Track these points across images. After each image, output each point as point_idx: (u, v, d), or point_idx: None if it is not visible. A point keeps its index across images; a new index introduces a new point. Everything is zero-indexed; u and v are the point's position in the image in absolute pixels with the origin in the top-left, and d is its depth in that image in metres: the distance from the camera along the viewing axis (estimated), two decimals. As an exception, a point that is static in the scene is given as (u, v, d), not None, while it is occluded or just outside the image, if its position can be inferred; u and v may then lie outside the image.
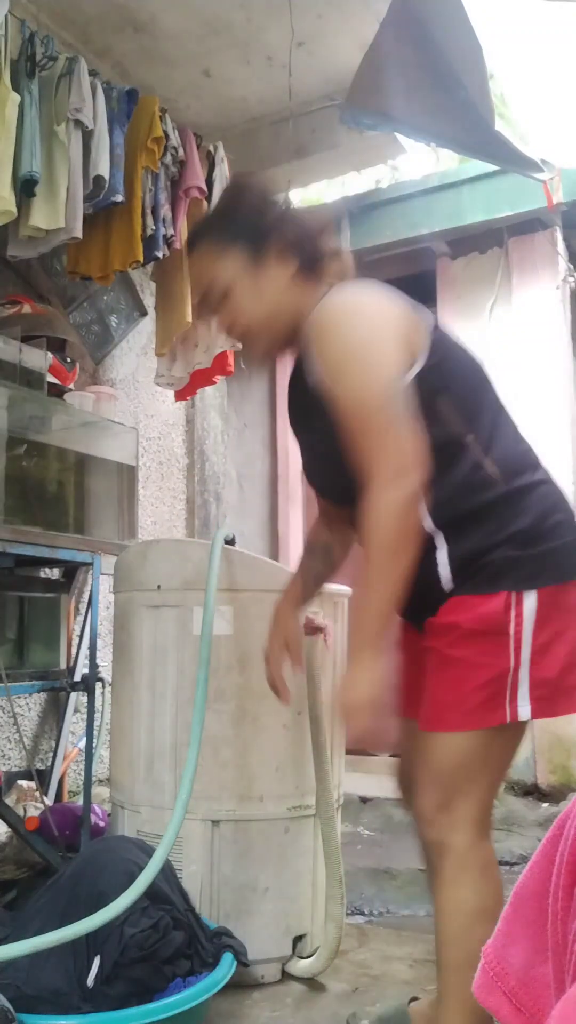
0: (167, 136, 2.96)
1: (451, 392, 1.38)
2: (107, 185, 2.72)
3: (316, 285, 1.47)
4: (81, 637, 3.03)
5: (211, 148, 3.28)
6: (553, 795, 3.35)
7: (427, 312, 1.47)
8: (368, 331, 1.33)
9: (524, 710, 1.31)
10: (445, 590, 1.35)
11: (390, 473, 1.26)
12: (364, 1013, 1.70)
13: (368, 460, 1.29)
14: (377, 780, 3.61)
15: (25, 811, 2.61)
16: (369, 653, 1.30)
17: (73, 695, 3.13)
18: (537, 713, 1.32)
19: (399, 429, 1.27)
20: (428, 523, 1.34)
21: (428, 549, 1.34)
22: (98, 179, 2.69)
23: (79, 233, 2.63)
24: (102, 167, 2.68)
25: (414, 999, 1.69)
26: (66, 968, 1.50)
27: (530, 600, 1.31)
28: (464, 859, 1.34)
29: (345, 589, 2.10)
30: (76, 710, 3.26)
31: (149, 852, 1.62)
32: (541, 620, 1.31)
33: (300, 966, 1.92)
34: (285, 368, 4.98)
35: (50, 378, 2.74)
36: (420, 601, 1.36)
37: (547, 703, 1.32)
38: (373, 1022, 1.67)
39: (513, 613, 1.30)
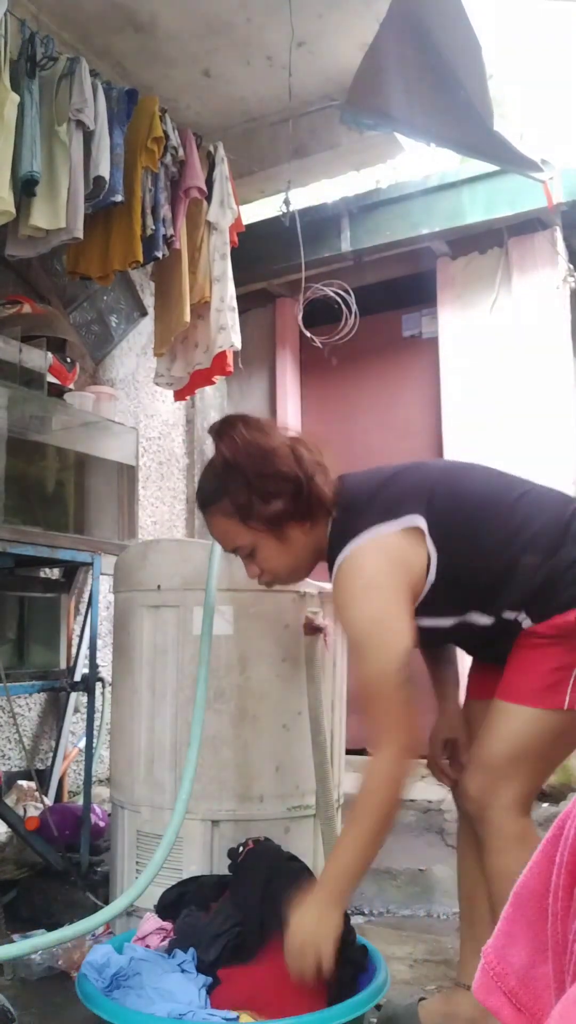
0: (167, 136, 2.96)
1: (477, 549, 1.55)
2: (107, 185, 2.71)
3: (326, 516, 1.62)
4: (81, 637, 3.03)
5: (211, 148, 3.27)
6: (553, 795, 3.35)
7: (421, 494, 1.58)
8: (377, 611, 1.50)
9: None
10: (525, 627, 1.55)
11: (398, 754, 1.45)
12: (371, 1012, 1.72)
13: (378, 727, 1.48)
14: (377, 780, 3.61)
15: (25, 811, 2.61)
16: (337, 906, 1.44)
17: (73, 695, 3.13)
18: None
19: (403, 711, 1.46)
20: (516, 615, 1.54)
21: (515, 622, 1.55)
22: (98, 179, 2.68)
23: (80, 233, 2.63)
24: (103, 167, 2.68)
25: (422, 999, 1.76)
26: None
27: None
28: (501, 832, 1.51)
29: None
30: (76, 710, 3.25)
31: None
32: None
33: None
34: (284, 368, 4.96)
35: (50, 378, 2.74)
36: (509, 647, 1.58)
37: None
38: (382, 1022, 1.72)
39: None
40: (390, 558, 1.52)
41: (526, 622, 1.54)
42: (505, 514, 1.59)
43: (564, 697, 1.48)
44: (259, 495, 1.57)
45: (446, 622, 1.61)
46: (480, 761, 1.56)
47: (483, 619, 1.58)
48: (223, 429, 1.63)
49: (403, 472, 1.67)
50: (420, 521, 1.54)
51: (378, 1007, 1.70)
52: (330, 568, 1.61)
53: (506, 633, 1.57)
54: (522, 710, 1.52)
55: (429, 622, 1.59)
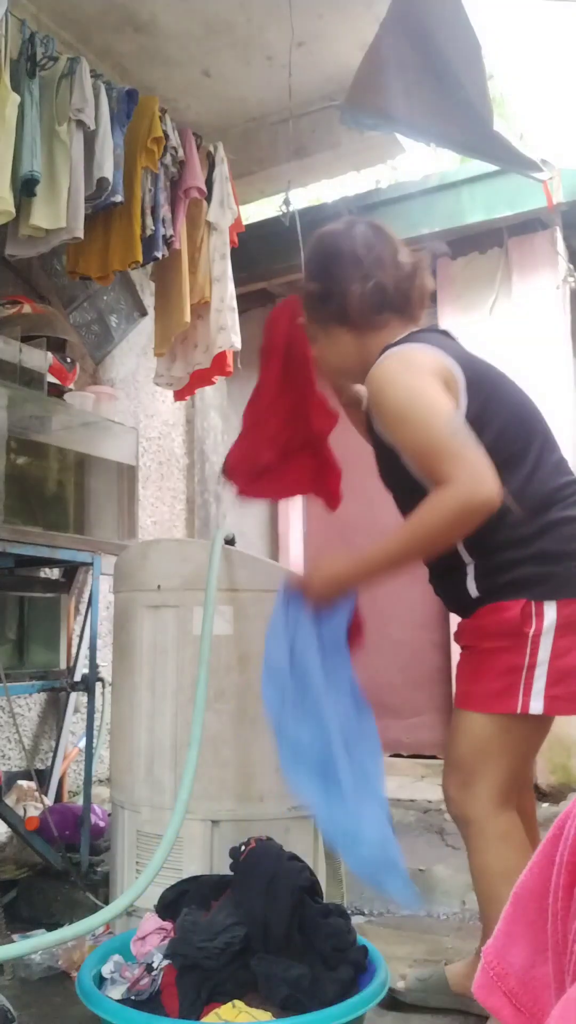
0: (167, 136, 2.96)
1: (486, 440, 1.52)
2: (109, 186, 2.72)
3: (377, 333, 1.71)
4: (81, 637, 3.03)
5: (211, 148, 3.27)
6: (553, 795, 3.35)
7: (472, 362, 1.67)
8: (413, 386, 1.53)
9: (536, 705, 1.50)
10: (472, 597, 1.59)
11: (463, 485, 1.41)
12: (400, 976, 1.83)
13: (440, 476, 1.45)
14: (377, 780, 3.61)
15: (25, 811, 2.61)
16: (352, 573, 1.58)
17: (73, 695, 3.13)
18: (549, 710, 1.51)
19: (466, 451, 1.44)
20: (463, 554, 1.58)
21: (460, 567, 1.59)
22: (102, 181, 2.68)
23: (80, 233, 2.63)
24: (107, 169, 2.68)
25: (448, 962, 1.90)
26: None
27: (550, 611, 1.52)
28: (483, 830, 1.54)
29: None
30: (76, 710, 3.26)
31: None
32: (561, 629, 1.51)
33: (300, 966, 1.92)
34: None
35: (50, 378, 2.74)
36: (458, 603, 1.64)
37: (562, 702, 1.52)
38: (411, 982, 1.83)
39: (533, 620, 1.51)
40: (427, 356, 1.59)
41: (470, 579, 1.57)
42: (528, 439, 1.62)
43: (516, 701, 1.51)
44: (311, 292, 1.76)
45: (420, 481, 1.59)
46: (451, 764, 1.61)
47: None
48: (346, 223, 1.80)
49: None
50: (462, 376, 1.60)
51: (391, 993, 1.73)
52: None
53: (454, 567, 1.60)
54: (476, 717, 1.56)
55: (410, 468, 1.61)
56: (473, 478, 1.41)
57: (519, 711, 1.51)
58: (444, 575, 1.66)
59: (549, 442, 1.67)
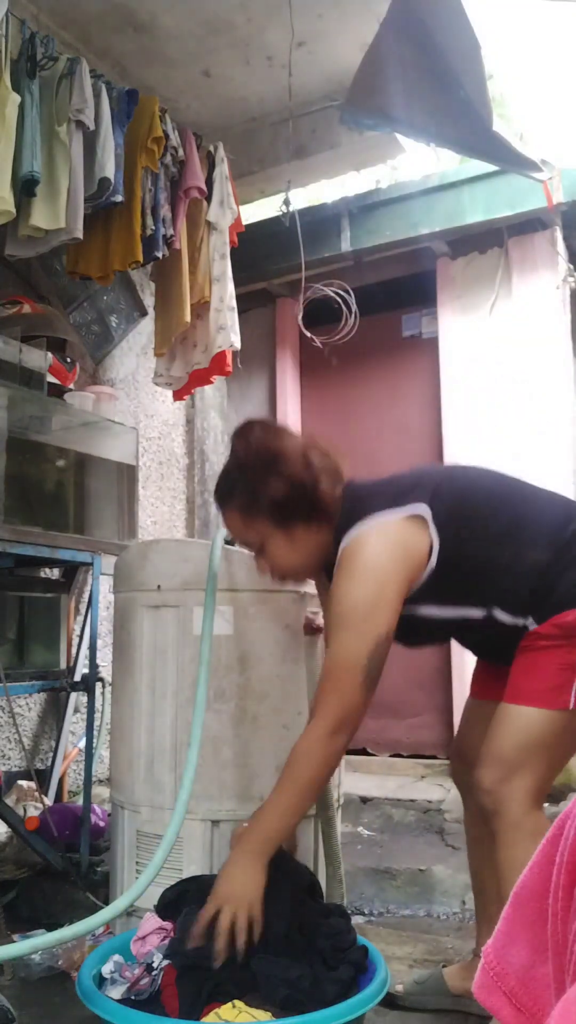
0: (167, 136, 2.96)
1: (479, 539, 1.61)
2: (111, 186, 2.72)
3: (333, 517, 1.67)
4: (81, 637, 3.03)
5: (211, 148, 3.27)
6: (553, 795, 3.35)
7: (427, 487, 1.64)
8: (368, 592, 1.54)
9: None
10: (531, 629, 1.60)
11: (330, 728, 1.52)
12: (399, 977, 1.83)
13: (320, 701, 1.55)
14: (377, 780, 3.61)
15: (25, 811, 2.61)
16: (259, 860, 1.51)
17: (73, 695, 3.13)
18: None
19: (356, 692, 1.52)
20: (520, 621, 1.59)
21: (521, 627, 1.59)
22: (103, 181, 2.68)
23: (80, 233, 2.63)
24: (108, 169, 2.68)
25: (445, 964, 1.90)
26: None
27: None
28: (517, 826, 1.54)
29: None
30: (76, 710, 3.26)
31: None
32: None
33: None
34: (284, 368, 4.95)
35: (50, 378, 2.74)
36: (514, 650, 1.62)
37: None
38: (409, 986, 1.83)
39: None
40: (389, 542, 1.58)
41: (531, 625, 1.58)
42: (511, 508, 1.64)
43: (570, 697, 1.53)
44: (264, 495, 1.63)
45: (443, 613, 1.64)
46: (493, 756, 1.60)
47: (478, 612, 1.62)
48: (241, 431, 1.72)
49: (410, 470, 1.75)
50: (424, 509, 1.60)
51: (390, 996, 1.73)
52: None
53: (512, 636, 1.61)
54: (529, 711, 1.56)
55: (427, 611, 1.63)
56: (335, 722, 1.51)
57: (571, 707, 1.54)
58: (506, 644, 1.64)
59: (536, 495, 1.70)
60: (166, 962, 1.56)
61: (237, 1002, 1.42)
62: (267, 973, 1.45)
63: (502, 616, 1.60)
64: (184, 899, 1.67)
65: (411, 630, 1.66)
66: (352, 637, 1.54)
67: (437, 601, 1.63)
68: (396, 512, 1.60)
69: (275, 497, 1.63)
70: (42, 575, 3.15)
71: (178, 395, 3.58)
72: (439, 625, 1.68)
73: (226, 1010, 1.40)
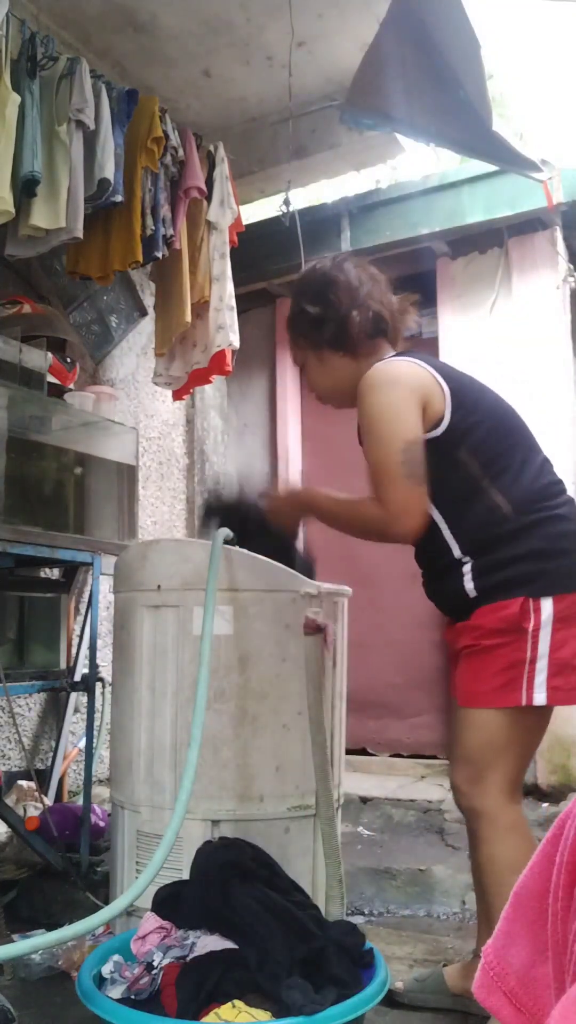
0: (167, 136, 2.96)
1: (472, 444, 1.68)
2: (111, 187, 2.72)
3: (369, 356, 1.81)
4: (81, 637, 3.03)
5: (211, 148, 3.27)
6: (553, 795, 3.35)
7: (457, 375, 1.79)
8: (389, 402, 1.66)
9: (539, 696, 1.58)
10: (470, 598, 1.65)
11: (390, 513, 1.63)
12: (398, 977, 1.84)
13: (380, 497, 1.66)
14: (377, 780, 3.61)
15: (25, 811, 2.61)
16: (303, 506, 1.88)
17: (73, 695, 3.13)
18: (551, 700, 1.58)
19: (405, 485, 1.61)
20: (456, 551, 1.67)
21: (456, 566, 1.66)
22: (103, 181, 2.68)
23: (80, 233, 2.63)
24: (108, 169, 2.68)
25: (446, 964, 1.93)
26: None
27: (547, 606, 1.59)
28: (494, 822, 1.58)
29: (345, 589, 2.10)
30: (76, 710, 3.25)
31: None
32: (558, 623, 1.59)
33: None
34: (284, 368, 4.94)
35: (50, 378, 2.74)
36: (454, 605, 1.70)
37: (562, 693, 1.59)
38: (409, 984, 1.85)
39: (532, 616, 1.58)
40: (412, 372, 1.69)
41: (468, 579, 1.64)
42: (512, 445, 1.71)
43: (520, 694, 1.57)
44: (302, 314, 1.82)
45: None
46: (462, 757, 1.65)
47: (434, 514, 1.69)
48: (333, 261, 1.87)
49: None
50: (446, 387, 1.70)
51: (390, 994, 1.73)
52: None
53: (449, 568, 1.68)
54: (483, 713, 1.61)
55: None
56: (398, 514, 1.62)
57: (524, 703, 1.57)
58: (440, 577, 1.72)
59: (533, 447, 1.77)
60: (167, 961, 1.56)
61: (237, 1002, 1.42)
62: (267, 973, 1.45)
63: (444, 529, 1.67)
64: (179, 898, 1.68)
65: None
66: (382, 442, 1.63)
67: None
68: (427, 366, 1.71)
69: (308, 317, 1.79)
70: (42, 575, 3.15)
71: (178, 395, 3.58)
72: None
73: (226, 1010, 1.40)
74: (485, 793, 1.60)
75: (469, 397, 1.73)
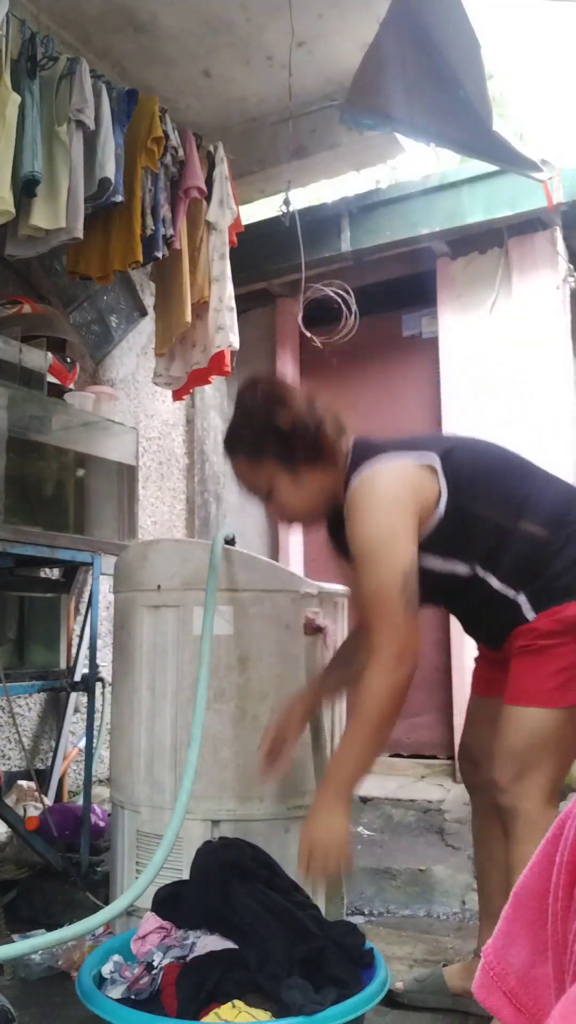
0: (167, 136, 2.96)
1: (482, 498, 1.64)
2: (111, 187, 2.72)
3: (339, 462, 1.70)
4: (81, 637, 3.03)
5: (211, 148, 3.27)
6: (553, 795, 3.35)
7: (442, 443, 1.71)
8: (386, 524, 1.57)
9: None
10: (529, 619, 1.60)
11: (391, 658, 1.51)
12: (398, 976, 1.83)
13: (375, 636, 1.54)
14: (377, 780, 3.61)
15: (25, 811, 2.61)
16: (342, 802, 1.52)
17: (73, 695, 3.12)
18: None
19: (403, 620, 1.52)
20: (510, 593, 1.60)
21: (512, 605, 1.60)
22: (104, 181, 2.68)
23: (80, 233, 2.63)
24: (108, 169, 2.68)
25: (445, 964, 1.91)
26: None
27: None
28: (533, 823, 1.54)
29: (345, 589, 2.10)
30: (76, 710, 3.25)
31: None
32: None
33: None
34: (284, 368, 4.93)
35: (50, 378, 2.74)
36: (505, 634, 1.64)
37: None
38: (409, 984, 1.84)
39: None
40: (402, 481, 1.61)
41: (527, 609, 1.59)
42: (517, 479, 1.67)
43: (574, 694, 1.55)
44: (269, 435, 1.67)
45: (440, 565, 1.65)
46: (506, 754, 1.61)
47: (473, 570, 1.64)
48: (246, 384, 1.76)
49: (421, 434, 1.83)
50: (435, 460, 1.63)
51: (390, 994, 1.73)
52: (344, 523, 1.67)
53: (500, 609, 1.62)
54: (534, 711, 1.58)
55: (426, 562, 1.64)
56: (403, 654, 1.51)
57: None
58: (495, 618, 1.67)
59: (538, 472, 1.74)
60: (167, 961, 1.56)
61: (237, 1002, 1.42)
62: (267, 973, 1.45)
63: (491, 580, 1.61)
64: (179, 898, 1.68)
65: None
66: (380, 569, 1.55)
67: (437, 551, 1.64)
68: (407, 456, 1.64)
69: (279, 435, 1.67)
70: (42, 575, 3.15)
71: (177, 395, 3.58)
72: (434, 580, 1.66)
73: (226, 1010, 1.40)
74: (527, 793, 1.57)
75: (465, 461, 1.68)
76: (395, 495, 1.60)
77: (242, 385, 1.77)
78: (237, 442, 1.75)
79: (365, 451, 1.68)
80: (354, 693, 1.61)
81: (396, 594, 1.52)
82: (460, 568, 1.65)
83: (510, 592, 1.60)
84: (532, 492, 1.65)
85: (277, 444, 1.67)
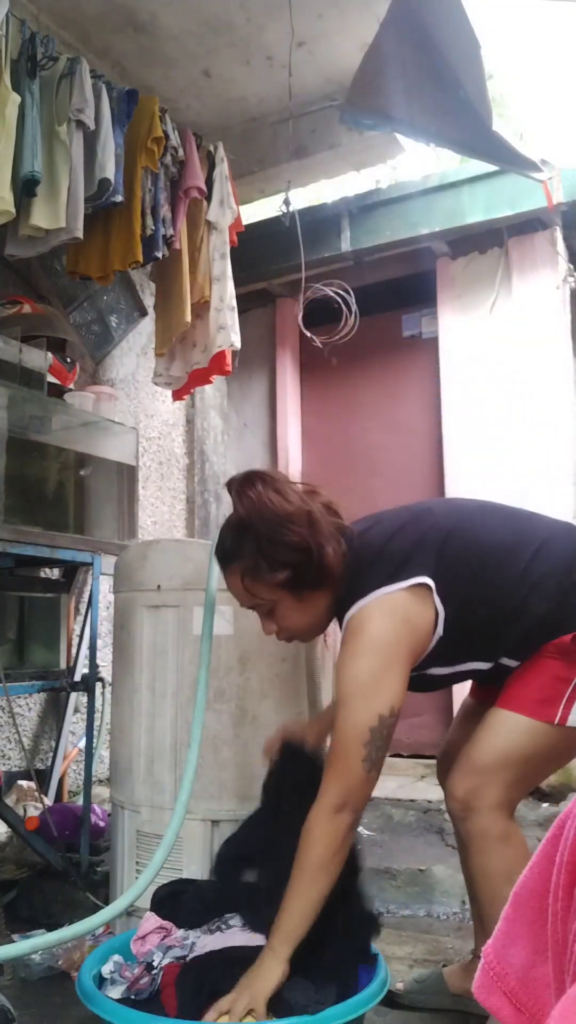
0: (167, 136, 2.96)
1: (483, 601, 1.58)
2: (111, 187, 2.72)
3: (340, 579, 1.61)
4: (81, 637, 3.03)
5: (211, 148, 3.27)
6: (553, 795, 3.35)
7: (432, 542, 1.60)
8: (370, 669, 1.52)
9: (574, 718, 1.53)
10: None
11: (332, 807, 1.48)
12: (398, 977, 1.83)
13: (324, 780, 1.50)
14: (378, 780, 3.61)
15: (25, 811, 2.61)
16: (274, 957, 1.44)
17: (73, 695, 3.13)
18: None
19: (356, 773, 1.48)
20: (514, 663, 1.59)
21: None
22: (104, 181, 2.68)
23: (80, 233, 2.63)
24: (108, 170, 2.68)
25: (445, 964, 1.90)
26: None
27: None
28: (486, 831, 1.54)
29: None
30: (76, 710, 3.26)
31: None
32: None
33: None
34: (284, 368, 4.94)
35: (50, 378, 2.74)
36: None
37: None
38: (409, 984, 1.83)
39: None
40: (395, 619, 1.54)
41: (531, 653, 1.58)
42: (516, 557, 1.60)
43: (556, 711, 1.52)
44: (269, 562, 1.56)
45: (448, 670, 1.64)
46: (469, 763, 1.59)
47: (484, 665, 1.62)
48: (242, 487, 1.61)
49: (411, 523, 1.64)
50: (427, 580, 1.55)
51: (390, 995, 1.73)
52: (340, 625, 1.62)
53: (506, 674, 1.62)
54: (516, 719, 1.56)
55: (435, 671, 1.63)
56: (339, 800, 1.47)
57: (556, 722, 1.53)
58: (497, 679, 1.64)
59: (541, 529, 1.66)
60: (167, 961, 1.56)
61: None
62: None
63: (508, 663, 1.60)
64: (177, 897, 1.68)
65: (419, 687, 1.67)
66: (353, 713, 1.50)
67: (445, 662, 1.62)
68: (398, 584, 1.55)
69: (286, 567, 1.55)
70: (42, 575, 3.15)
71: (178, 395, 3.58)
72: (447, 679, 1.67)
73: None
74: (480, 805, 1.55)
75: (455, 556, 1.59)
76: (385, 640, 1.53)
77: (236, 490, 1.61)
78: (234, 558, 1.61)
79: (357, 574, 1.59)
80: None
81: (358, 747, 1.48)
82: (479, 665, 1.63)
83: (521, 659, 1.59)
84: (534, 564, 1.58)
85: (282, 574, 1.56)
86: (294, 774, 1.68)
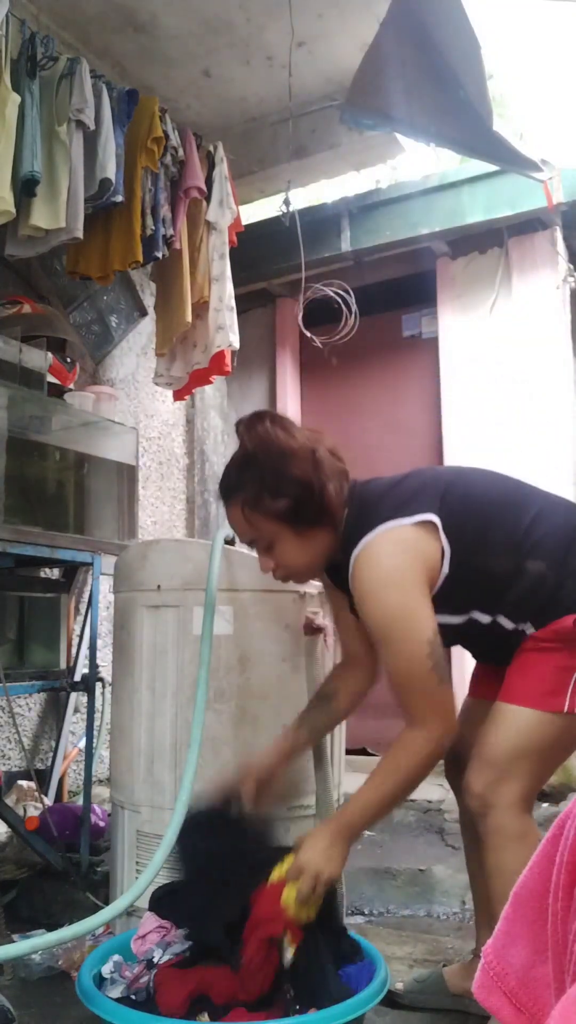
0: (167, 136, 2.96)
1: (486, 548, 1.59)
2: (112, 187, 2.72)
3: (340, 521, 1.63)
4: (81, 637, 3.03)
5: (211, 148, 3.27)
6: (553, 795, 3.35)
7: (435, 489, 1.62)
8: (399, 603, 1.52)
9: None
10: (528, 635, 1.59)
11: (435, 731, 1.50)
12: (398, 977, 1.83)
13: (416, 712, 1.51)
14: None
15: (25, 811, 2.61)
16: (339, 838, 1.51)
17: (73, 695, 3.13)
18: None
19: (441, 693, 1.51)
20: (520, 626, 1.58)
21: (521, 632, 1.59)
22: (104, 181, 2.68)
23: (80, 233, 2.63)
24: (109, 170, 2.68)
25: (445, 964, 1.90)
26: None
27: None
28: (503, 830, 1.54)
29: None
30: (76, 710, 3.26)
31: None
32: None
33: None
34: (284, 368, 4.93)
35: (50, 378, 2.74)
36: (512, 655, 1.61)
37: None
38: (409, 984, 1.83)
39: None
40: (406, 549, 1.55)
41: (529, 630, 1.58)
42: (514, 516, 1.61)
43: (564, 700, 1.52)
44: (271, 493, 1.58)
45: (454, 619, 1.63)
46: (484, 759, 1.59)
47: (485, 618, 1.61)
48: (251, 423, 1.65)
49: (415, 473, 1.70)
50: (433, 517, 1.57)
51: (390, 995, 1.73)
52: (345, 564, 1.61)
53: (511, 640, 1.61)
54: (523, 712, 1.55)
55: (439, 619, 1.60)
56: (442, 726, 1.51)
57: (565, 710, 1.52)
58: (506, 649, 1.64)
59: (540, 498, 1.67)
60: (167, 958, 1.56)
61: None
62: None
63: (504, 622, 1.60)
64: (175, 896, 1.68)
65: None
66: (404, 647, 1.51)
67: (452, 609, 1.61)
68: (405, 519, 1.57)
69: (287, 498, 1.58)
70: (42, 575, 3.15)
71: (178, 395, 3.58)
72: (451, 631, 1.66)
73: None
74: (499, 801, 1.55)
75: (457, 503, 1.61)
76: (402, 570, 1.54)
77: (245, 424, 1.66)
78: (236, 491, 1.62)
79: (361, 513, 1.60)
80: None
81: (428, 669, 1.49)
82: (481, 617, 1.62)
83: (520, 625, 1.59)
84: (534, 526, 1.60)
85: (282, 506, 1.58)
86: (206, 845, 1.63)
